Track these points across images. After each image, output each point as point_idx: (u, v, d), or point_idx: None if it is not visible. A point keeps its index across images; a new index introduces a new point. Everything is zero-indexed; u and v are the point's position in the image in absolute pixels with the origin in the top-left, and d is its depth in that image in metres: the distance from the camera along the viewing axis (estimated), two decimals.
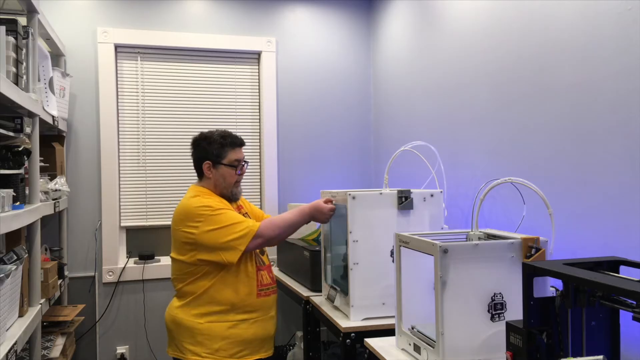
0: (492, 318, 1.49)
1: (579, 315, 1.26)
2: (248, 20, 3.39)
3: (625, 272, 1.28)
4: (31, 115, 2.03)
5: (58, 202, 2.51)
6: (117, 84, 3.18)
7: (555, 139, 1.83)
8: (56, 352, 2.40)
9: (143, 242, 3.31)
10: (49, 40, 2.68)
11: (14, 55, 1.80)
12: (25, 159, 1.91)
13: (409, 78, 3.00)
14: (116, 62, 3.18)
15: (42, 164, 2.35)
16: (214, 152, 2.14)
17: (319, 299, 2.36)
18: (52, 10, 3.03)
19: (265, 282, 2.15)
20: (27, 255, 1.96)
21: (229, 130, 2.24)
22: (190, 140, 2.24)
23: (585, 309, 1.26)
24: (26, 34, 1.97)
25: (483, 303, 1.49)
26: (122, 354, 3.14)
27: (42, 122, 2.25)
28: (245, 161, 2.22)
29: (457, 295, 1.46)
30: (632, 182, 1.52)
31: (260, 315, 2.12)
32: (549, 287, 1.40)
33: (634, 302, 1.08)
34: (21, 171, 1.91)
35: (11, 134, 1.87)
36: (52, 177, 2.64)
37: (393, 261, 1.93)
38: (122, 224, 3.20)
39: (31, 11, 2.07)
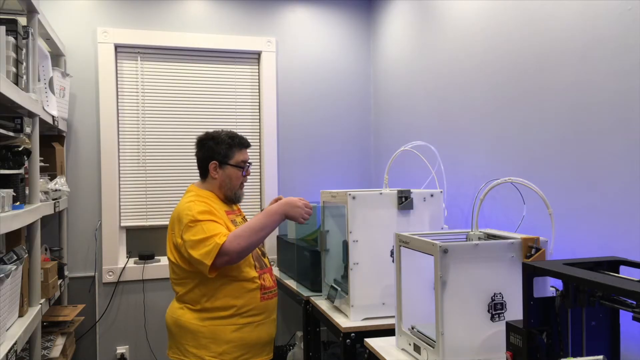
0: (492, 318, 1.49)
1: (579, 315, 1.26)
2: (248, 20, 3.39)
3: (625, 272, 1.28)
4: (31, 115, 2.03)
5: (58, 202, 2.51)
6: (117, 84, 3.18)
7: (555, 139, 1.83)
8: (56, 352, 2.40)
9: (143, 242, 3.31)
10: (49, 40, 2.68)
11: (14, 55, 1.80)
12: (25, 159, 1.91)
13: (409, 78, 3.00)
14: (116, 62, 3.18)
15: (42, 164, 2.36)
16: (222, 152, 2.12)
17: (319, 299, 2.36)
18: (52, 10, 3.03)
19: (268, 285, 2.13)
20: (27, 255, 1.96)
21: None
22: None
23: (585, 309, 1.26)
24: (26, 34, 1.97)
25: (483, 303, 1.49)
26: (122, 354, 3.13)
27: (42, 122, 2.25)
28: (249, 163, 2.21)
29: (457, 295, 1.46)
30: (632, 182, 1.52)
31: (263, 319, 2.10)
32: (549, 287, 1.40)
33: (634, 302, 1.08)
34: (21, 171, 1.91)
35: (11, 134, 1.87)
36: (52, 177, 2.64)
37: (393, 261, 1.93)
38: (122, 224, 3.20)
39: (31, 11, 2.07)
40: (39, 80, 2.19)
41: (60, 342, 2.51)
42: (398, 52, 3.16)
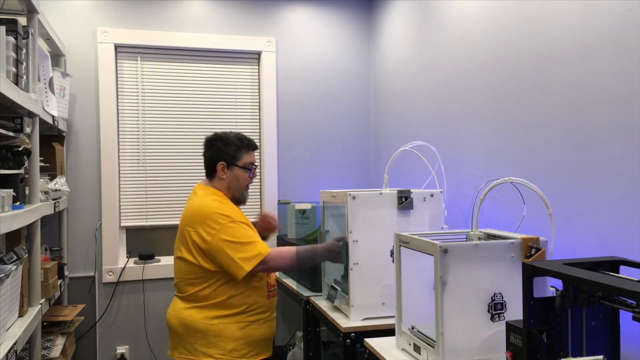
0: (492, 318, 1.49)
1: (579, 315, 1.26)
2: (248, 20, 3.39)
3: (625, 272, 1.28)
4: (31, 115, 2.03)
5: (58, 202, 2.51)
6: (117, 84, 3.18)
7: (556, 139, 1.83)
8: (56, 352, 2.40)
9: (143, 242, 3.32)
10: (49, 40, 2.68)
11: (14, 55, 1.80)
12: (25, 159, 1.91)
13: (409, 78, 3.00)
14: (116, 62, 3.18)
15: (42, 164, 2.35)
16: (230, 153, 2.14)
17: (319, 299, 2.36)
18: (52, 10, 3.03)
19: (272, 283, 2.19)
20: (27, 255, 1.96)
21: (230, 130, 2.26)
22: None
23: (585, 309, 1.26)
24: (26, 34, 1.97)
25: (483, 303, 1.48)
26: (122, 354, 3.13)
27: (42, 122, 2.25)
28: (256, 165, 2.24)
29: (457, 295, 1.46)
30: (632, 182, 1.52)
31: (268, 316, 2.14)
32: (549, 287, 1.40)
33: (634, 302, 1.08)
34: (21, 171, 1.91)
35: (11, 134, 1.87)
36: (52, 177, 2.64)
37: (393, 261, 1.93)
38: (122, 224, 3.20)
39: (31, 11, 2.07)
40: (39, 80, 2.19)
41: (60, 342, 2.51)
42: (398, 52, 3.16)
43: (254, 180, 3.39)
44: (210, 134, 2.22)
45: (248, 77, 3.44)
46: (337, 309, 2.18)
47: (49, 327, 2.60)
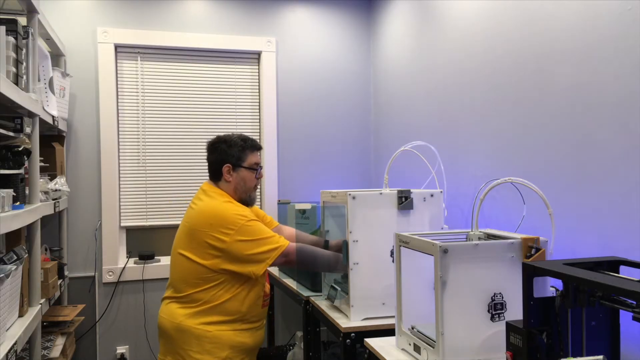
0: (492, 318, 1.49)
1: (579, 315, 1.26)
2: (248, 20, 3.39)
3: (625, 272, 1.28)
4: (31, 115, 2.03)
5: (58, 202, 2.51)
6: (117, 84, 3.18)
7: (555, 139, 1.83)
8: (56, 352, 2.40)
9: (143, 242, 3.32)
10: (49, 40, 2.68)
11: (14, 55, 1.80)
12: (25, 159, 1.91)
13: (409, 78, 3.00)
14: (116, 62, 3.18)
15: (42, 164, 2.35)
16: (235, 155, 2.13)
17: (318, 299, 2.36)
18: (52, 10, 3.03)
19: (267, 292, 2.20)
20: (27, 255, 1.96)
21: (230, 130, 2.26)
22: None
23: (585, 309, 1.26)
24: (26, 34, 1.97)
25: (483, 303, 1.48)
26: (122, 354, 3.14)
27: (42, 122, 2.25)
28: (261, 166, 2.23)
29: (457, 295, 1.45)
30: (632, 182, 1.52)
31: (260, 325, 2.16)
32: (549, 287, 1.40)
33: (634, 302, 1.08)
34: (21, 171, 1.91)
35: (11, 134, 1.87)
36: (52, 177, 2.64)
37: (393, 261, 1.93)
38: (122, 224, 3.20)
39: (31, 11, 2.07)
40: (39, 80, 2.19)
41: (60, 342, 2.51)
42: (398, 52, 3.16)
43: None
44: (211, 136, 2.21)
45: (248, 77, 3.44)
46: (337, 309, 2.18)
47: (49, 327, 2.60)
